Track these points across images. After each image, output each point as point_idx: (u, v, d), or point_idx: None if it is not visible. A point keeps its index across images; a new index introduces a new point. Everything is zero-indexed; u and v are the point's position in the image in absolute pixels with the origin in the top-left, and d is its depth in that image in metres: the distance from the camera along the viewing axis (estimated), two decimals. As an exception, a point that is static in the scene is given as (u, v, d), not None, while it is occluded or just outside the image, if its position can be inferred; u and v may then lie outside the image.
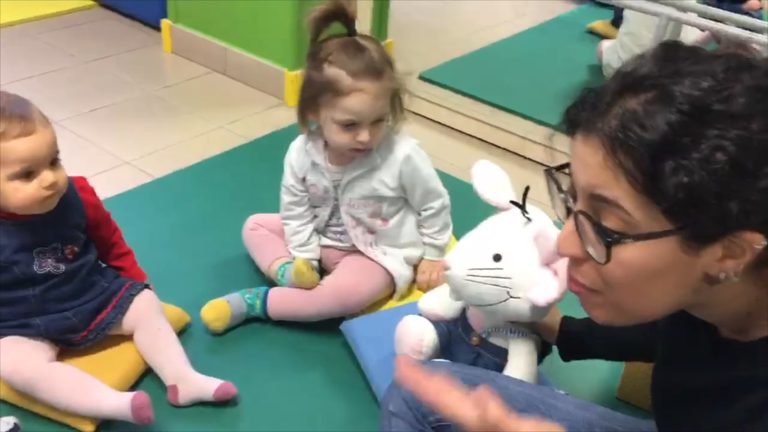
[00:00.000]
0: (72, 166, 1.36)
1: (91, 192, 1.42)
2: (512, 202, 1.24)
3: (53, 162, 1.27)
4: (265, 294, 1.59)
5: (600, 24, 3.34)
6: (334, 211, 1.62)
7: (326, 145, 1.57)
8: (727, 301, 0.73)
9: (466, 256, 1.22)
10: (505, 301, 1.21)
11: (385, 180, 1.56)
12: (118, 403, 1.27)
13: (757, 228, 0.66)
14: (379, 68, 1.45)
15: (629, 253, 0.69)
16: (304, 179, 1.62)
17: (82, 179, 1.41)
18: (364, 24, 2.54)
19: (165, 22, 2.85)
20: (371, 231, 1.63)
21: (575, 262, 0.76)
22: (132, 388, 1.39)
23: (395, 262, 1.63)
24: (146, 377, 1.44)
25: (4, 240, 1.28)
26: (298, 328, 1.60)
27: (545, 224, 1.21)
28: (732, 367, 0.75)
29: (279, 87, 2.61)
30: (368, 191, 1.57)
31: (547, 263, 1.20)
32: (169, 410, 1.37)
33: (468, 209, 1.70)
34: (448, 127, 2.52)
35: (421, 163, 1.58)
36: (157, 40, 2.92)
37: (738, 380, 0.74)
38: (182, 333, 1.54)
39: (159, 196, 2.05)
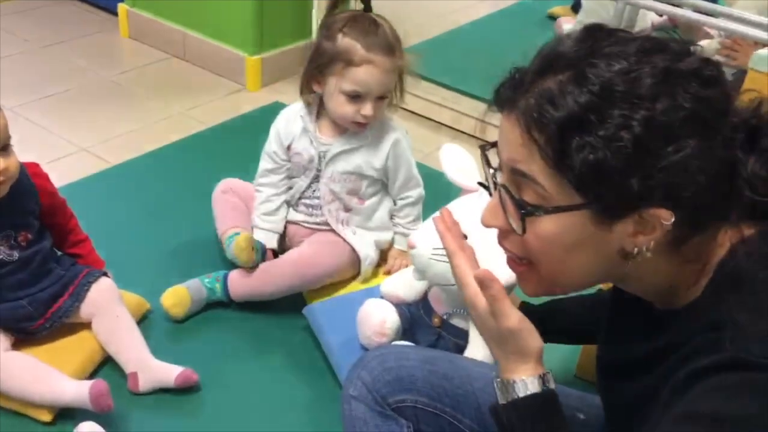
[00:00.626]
0: (27, 153, 1.33)
1: (45, 178, 1.39)
2: (479, 183, 1.25)
3: (4, 148, 1.25)
4: (225, 277, 1.58)
5: (560, 9, 3.36)
6: (313, 182, 1.62)
7: (319, 115, 1.59)
8: (649, 275, 0.76)
9: (431, 235, 1.22)
10: None
11: (371, 159, 1.58)
12: (76, 391, 1.25)
13: (664, 205, 0.69)
14: (392, 45, 1.49)
15: (544, 225, 0.73)
16: (289, 147, 1.62)
17: (35, 165, 1.38)
18: (322, 11, 2.53)
19: (122, 7, 2.79)
20: (346, 209, 1.64)
21: (502, 234, 0.80)
22: (91, 376, 1.38)
23: (364, 243, 1.64)
24: (105, 365, 1.42)
25: None
26: (260, 313, 1.59)
27: None
28: (658, 338, 0.79)
29: (239, 72, 2.58)
30: (353, 167, 1.58)
31: None
32: (129, 398, 1.36)
33: (429, 194, 1.72)
34: (410, 111, 2.52)
35: (407, 149, 1.62)
36: (114, 24, 2.87)
37: (659, 348, 0.77)
38: (142, 320, 1.52)
39: (117, 182, 2.03)
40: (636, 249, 0.72)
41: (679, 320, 0.77)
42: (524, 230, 0.74)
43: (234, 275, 1.58)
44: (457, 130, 2.45)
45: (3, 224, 1.30)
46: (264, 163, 1.66)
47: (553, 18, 3.36)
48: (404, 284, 1.41)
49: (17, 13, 2.94)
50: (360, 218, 1.65)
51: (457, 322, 1.35)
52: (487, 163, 0.84)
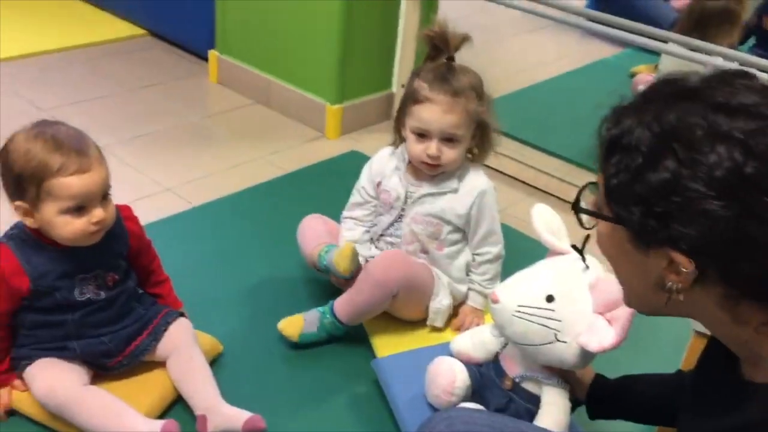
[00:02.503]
0: (116, 191, 1.37)
1: (135, 221, 1.44)
2: (573, 246, 1.25)
3: (104, 197, 1.30)
4: (331, 304, 1.61)
5: (644, 68, 3.32)
6: (396, 221, 1.65)
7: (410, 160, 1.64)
8: (706, 319, 0.79)
9: (518, 291, 1.22)
10: (550, 343, 1.21)
11: (455, 206, 1.61)
12: (148, 430, 1.27)
13: (688, 253, 0.73)
14: (459, 88, 1.53)
15: (600, 227, 0.85)
16: (378, 185, 1.67)
17: (128, 208, 1.44)
18: (406, 60, 2.58)
19: (212, 53, 2.91)
20: (424, 251, 1.65)
21: None
22: (162, 415, 1.40)
23: (439, 282, 1.65)
24: (177, 405, 1.44)
25: (48, 266, 1.31)
26: (329, 363, 1.60)
27: (603, 273, 1.21)
28: (738, 414, 0.77)
29: (320, 120, 2.64)
30: (436, 211, 1.61)
31: (601, 312, 1.19)
32: (198, 440, 1.37)
33: (506, 251, 1.70)
34: (486, 166, 2.51)
35: (493, 203, 1.64)
36: (203, 70, 2.99)
37: (737, 427, 0.76)
38: (214, 362, 1.54)
39: (197, 223, 2.08)
40: (670, 284, 0.75)
41: (760, 397, 0.73)
42: (590, 227, 0.86)
43: (338, 300, 1.60)
44: (534, 187, 2.43)
45: (93, 265, 1.34)
46: (353, 198, 1.74)
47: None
48: (475, 343, 1.39)
49: (112, 54, 3.10)
50: (439, 266, 1.65)
51: (528, 386, 1.31)
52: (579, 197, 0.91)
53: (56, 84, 2.78)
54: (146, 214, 1.94)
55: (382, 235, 1.69)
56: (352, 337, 1.64)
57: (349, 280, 1.60)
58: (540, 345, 1.21)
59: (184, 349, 1.43)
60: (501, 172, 2.48)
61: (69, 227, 1.26)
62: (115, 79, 2.89)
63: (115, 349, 1.39)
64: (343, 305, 1.59)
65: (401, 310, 1.63)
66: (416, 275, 1.60)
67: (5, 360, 1.36)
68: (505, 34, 3.86)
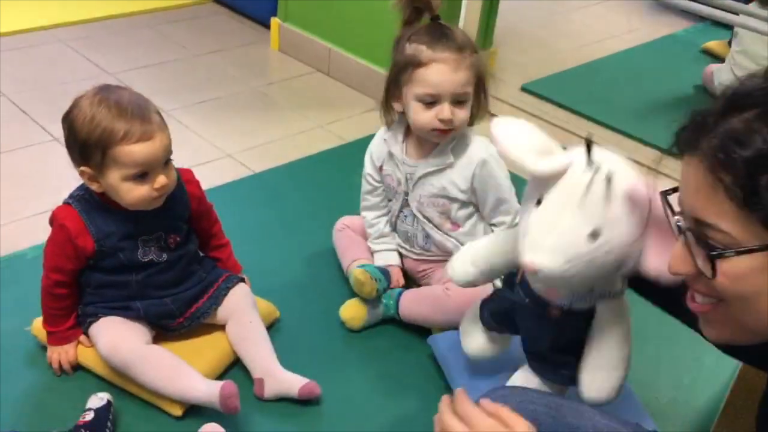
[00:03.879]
0: (178, 155, 1.39)
1: (197, 185, 1.46)
2: (587, 143, 1.00)
3: (166, 163, 1.31)
4: (399, 295, 1.59)
5: (715, 44, 3.20)
6: (403, 206, 1.61)
7: (406, 135, 1.57)
8: None
9: (554, 246, 1.00)
10: (615, 272, 1.07)
11: (456, 180, 1.54)
12: (207, 390, 1.30)
13: None
14: (460, 43, 1.44)
15: (734, 265, 0.71)
16: (381, 168, 1.62)
17: (189, 172, 1.45)
18: (470, 32, 2.53)
19: (275, 21, 2.91)
20: (440, 228, 1.60)
21: (693, 278, 0.77)
22: (220, 377, 1.42)
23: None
24: (234, 368, 1.47)
25: (112, 227, 1.33)
26: (384, 335, 1.60)
27: (625, 174, 1.01)
28: None
29: (380, 90, 2.61)
30: (438, 189, 1.55)
31: (647, 221, 1.00)
32: (252, 402, 1.40)
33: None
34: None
35: (497, 170, 1.54)
36: (266, 37, 3.00)
37: None
38: (270, 327, 1.56)
39: (257, 190, 2.10)
40: None
41: None
42: (714, 273, 0.73)
43: (407, 296, 1.58)
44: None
45: (155, 227, 1.37)
46: (363, 186, 1.69)
47: (707, 53, 3.20)
48: (484, 271, 1.25)
49: (176, 21, 3.12)
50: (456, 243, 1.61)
51: (579, 305, 1.16)
52: (669, 208, 0.81)
53: (122, 48, 2.83)
54: (207, 179, 1.95)
55: (395, 222, 1.64)
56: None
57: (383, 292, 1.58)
58: (606, 276, 1.08)
59: (244, 314, 1.45)
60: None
61: (133, 193, 1.28)
62: (179, 45, 2.92)
63: (177, 310, 1.42)
64: (409, 311, 1.57)
65: None
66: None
67: (72, 317, 1.40)
68: (571, 6, 3.76)
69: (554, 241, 1.01)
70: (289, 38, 2.89)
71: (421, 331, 1.59)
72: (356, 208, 1.80)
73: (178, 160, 1.42)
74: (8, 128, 2.25)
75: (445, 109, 1.44)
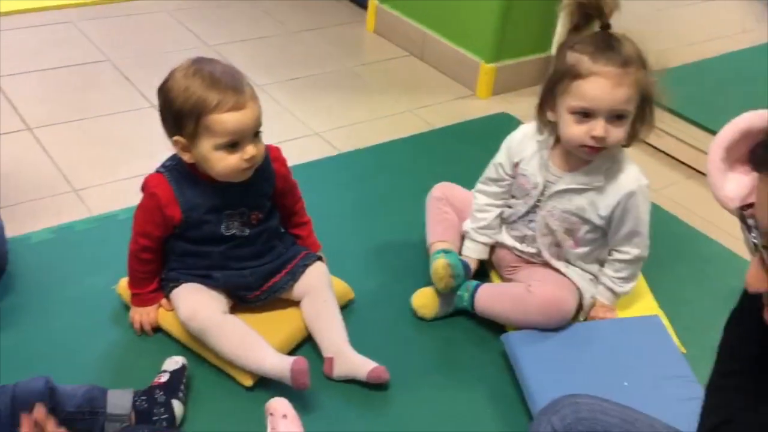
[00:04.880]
0: (265, 131, 1.40)
1: (283, 162, 1.47)
2: None
3: (255, 135, 1.33)
4: (475, 288, 1.55)
5: (836, 51, 2.99)
6: (531, 211, 1.54)
7: (556, 144, 1.49)
8: None
9: None
10: None
11: (598, 205, 1.47)
12: (278, 364, 1.32)
13: None
14: (626, 56, 1.35)
15: None
16: (516, 165, 1.55)
17: (277, 149, 1.47)
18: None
19: (372, 2, 2.91)
20: (557, 245, 1.54)
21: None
22: (291, 352, 1.44)
23: (580, 277, 1.55)
24: (305, 345, 1.48)
25: (199, 199, 1.36)
26: (457, 328, 1.58)
27: None
28: None
29: (472, 78, 2.58)
30: (576, 208, 1.48)
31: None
32: (321, 381, 1.41)
33: (659, 243, 1.57)
34: (645, 142, 2.36)
35: (642, 205, 1.47)
36: (362, 17, 3.00)
37: None
38: (344, 308, 1.56)
39: (341, 170, 2.11)
40: None
41: None
42: None
43: (483, 290, 1.55)
44: (694, 169, 2.27)
45: (240, 202, 1.39)
46: (488, 172, 1.61)
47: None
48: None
49: (278, -2, 3.17)
50: (571, 258, 1.56)
51: None
52: (746, 226, 0.77)
53: (224, 21, 2.89)
54: (293, 155, 1.97)
55: (515, 222, 1.58)
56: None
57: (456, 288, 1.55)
58: None
59: (319, 292, 1.46)
60: (658, 149, 2.33)
61: (223, 162, 1.31)
62: (278, 21, 2.96)
63: (255, 283, 1.44)
64: (485, 306, 1.53)
65: None
66: (573, 305, 1.51)
67: (155, 280, 1.45)
68: (679, 3, 3.59)
69: None
70: (385, 20, 2.88)
71: (494, 326, 1.56)
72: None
73: (267, 135, 1.43)
74: (111, 92, 2.34)
75: (598, 126, 1.36)
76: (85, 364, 1.39)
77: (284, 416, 1.25)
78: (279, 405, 1.27)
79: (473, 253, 1.62)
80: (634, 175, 1.47)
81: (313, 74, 2.61)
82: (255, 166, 1.35)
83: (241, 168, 1.32)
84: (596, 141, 1.38)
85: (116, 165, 1.99)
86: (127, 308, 1.49)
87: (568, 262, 1.56)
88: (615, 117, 1.37)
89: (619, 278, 1.54)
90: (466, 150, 2.21)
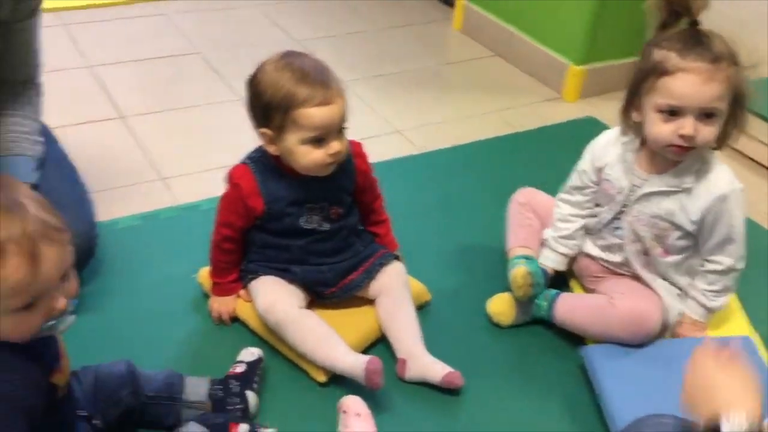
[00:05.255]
0: (348, 127, 1.38)
1: (365, 159, 1.47)
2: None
3: (340, 130, 1.33)
4: (554, 298, 1.52)
5: None
6: (616, 218, 1.48)
7: (641, 146, 1.43)
8: None
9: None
10: None
11: (689, 208, 1.39)
12: (353, 362, 1.31)
13: None
14: (717, 53, 1.28)
15: None
16: (600, 170, 1.49)
17: (359, 145, 1.46)
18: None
19: (460, 0, 2.88)
20: (646, 253, 1.48)
21: None
22: (364, 351, 1.43)
23: (667, 292, 1.48)
24: (379, 344, 1.47)
25: (282, 192, 1.37)
26: (534, 337, 1.54)
27: None
28: None
29: (560, 80, 2.52)
30: (665, 212, 1.41)
31: None
32: (393, 382, 1.39)
33: (754, 255, 1.49)
34: (750, 159, 2.24)
35: (735, 209, 1.39)
36: (448, 16, 2.98)
37: None
38: (419, 309, 1.54)
39: (421, 169, 2.09)
40: None
41: None
42: None
43: (563, 300, 1.51)
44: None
45: (321, 197, 1.39)
46: (572, 180, 1.56)
47: None
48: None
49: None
50: (660, 271, 1.48)
51: None
52: None
53: (312, 17, 2.92)
54: (373, 152, 1.96)
55: (600, 230, 1.51)
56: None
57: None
58: None
59: (395, 292, 1.45)
60: (751, 159, 2.21)
61: (308, 156, 1.31)
62: (365, 17, 2.97)
63: (332, 279, 1.45)
64: (565, 317, 1.49)
65: None
66: (659, 320, 1.43)
67: (236, 271, 1.47)
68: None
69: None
70: (472, 19, 2.85)
71: (572, 338, 1.51)
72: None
73: (349, 131, 1.42)
74: (200, 84, 2.40)
75: (687, 124, 1.29)
76: (163, 350, 1.42)
77: (357, 414, 1.25)
78: (353, 403, 1.27)
79: (551, 262, 1.57)
80: (727, 177, 1.39)
81: (397, 72, 2.60)
82: (338, 161, 1.35)
83: (325, 163, 1.32)
84: (685, 140, 1.31)
85: (202, 156, 2.03)
86: (206, 297, 1.52)
87: (657, 273, 1.49)
88: (704, 115, 1.30)
89: (711, 291, 1.46)
90: (550, 154, 2.15)
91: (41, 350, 0.98)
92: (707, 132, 1.31)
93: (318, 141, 1.30)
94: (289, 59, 1.31)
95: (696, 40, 1.30)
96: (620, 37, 2.46)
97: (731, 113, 1.33)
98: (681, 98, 1.29)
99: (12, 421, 0.91)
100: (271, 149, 1.34)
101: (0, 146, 1.44)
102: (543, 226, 1.62)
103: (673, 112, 1.31)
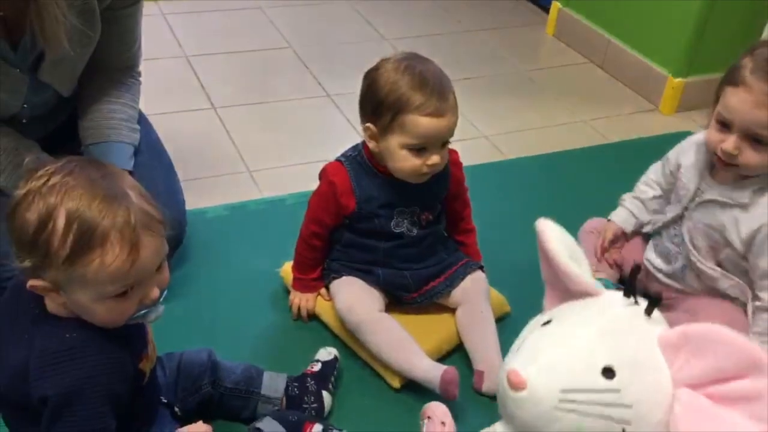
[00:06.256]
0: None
1: (460, 167, 1.45)
2: (625, 283, 0.90)
3: (443, 144, 1.32)
4: None
5: None
6: (677, 221, 1.46)
7: None
8: None
9: (557, 367, 0.81)
10: None
11: (739, 225, 1.35)
12: (429, 370, 1.30)
13: None
14: None
15: None
16: (678, 168, 1.48)
17: (455, 153, 1.44)
18: None
19: (555, 4, 2.82)
20: (698, 271, 1.44)
21: None
22: (440, 360, 1.41)
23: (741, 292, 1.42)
24: (455, 354, 1.45)
25: (375, 192, 1.37)
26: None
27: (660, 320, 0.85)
28: None
29: (656, 92, 2.43)
30: (717, 224, 1.38)
31: (702, 385, 0.79)
32: (468, 394, 1.37)
33: None
34: None
35: None
36: (542, 20, 2.91)
37: None
38: (498, 321, 1.51)
39: (507, 177, 2.06)
40: None
41: None
42: None
43: None
44: None
45: (413, 202, 1.38)
46: (655, 167, 1.60)
47: None
48: None
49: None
50: (715, 284, 1.42)
51: None
52: None
53: (402, 16, 2.90)
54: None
55: (660, 230, 1.49)
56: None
57: None
58: None
59: (476, 302, 1.43)
60: None
61: (406, 163, 1.31)
62: (455, 19, 2.94)
63: (413, 285, 1.43)
64: None
65: None
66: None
67: (319, 268, 1.47)
68: None
69: (557, 358, 0.82)
70: (566, 24, 2.78)
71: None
72: (604, 213, 1.70)
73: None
74: (290, 79, 2.42)
75: (730, 141, 1.29)
76: (243, 341, 1.44)
77: (442, 423, 1.22)
78: (438, 411, 1.24)
79: (618, 219, 1.60)
80: None
81: (486, 75, 2.56)
82: (434, 172, 1.33)
83: (421, 172, 1.32)
84: (724, 155, 1.31)
85: (289, 150, 2.05)
86: (287, 292, 1.53)
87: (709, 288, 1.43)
88: (753, 138, 1.28)
89: (757, 331, 1.35)
90: (642, 168, 2.06)
91: (132, 337, 1.00)
92: (752, 156, 1.29)
93: (419, 150, 1.29)
94: (412, 62, 1.31)
95: None
96: (724, 50, 2.33)
97: None
98: (731, 113, 1.28)
99: (99, 404, 0.94)
100: (371, 145, 1.34)
101: (99, 132, 1.48)
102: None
103: (725, 124, 1.30)
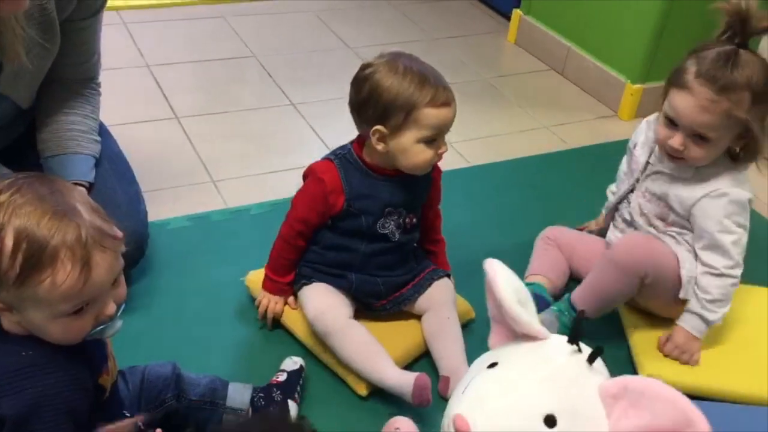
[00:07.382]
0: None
1: (439, 172, 1.47)
2: (571, 337, 0.90)
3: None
4: (569, 299, 1.51)
5: None
6: (630, 191, 1.53)
7: None
8: None
9: (502, 416, 0.83)
10: None
11: (681, 196, 1.43)
12: (399, 378, 1.30)
13: None
14: (728, 84, 1.31)
15: None
16: (635, 147, 1.55)
17: None
18: None
19: (516, 12, 2.85)
20: (651, 225, 1.50)
21: None
22: (406, 367, 1.41)
23: (686, 255, 1.45)
24: (421, 360, 1.45)
25: (365, 189, 1.37)
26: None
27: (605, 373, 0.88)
28: None
29: (615, 98, 2.47)
30: (661, 192, 1.46)
31: None
32: (434, 399, 1.37)
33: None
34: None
35: (722, 216, 1.39)
36: (504, 28, 2.95)
37: None
38: (463, 327, 1.52)
39: (471, 183, 2.07)
40: None
41: None
42: None
43: (575, 292, 1.51)
44: None
45: (401, 202, 1.40)
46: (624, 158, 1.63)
47: None
48: None
49: (421, 2, 3.16)
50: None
51: None
52: None
53: (366, 24, 2.92)
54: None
55: (618, 203, 1.56)
56: (610, 338, 1.53)
57: None
58: None
59: (442, 309, 1.44)
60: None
61: (420, 156, 1.33)
62: (419, 27, 2.96)
63: (384, 292, 1.44)
64: (583, 296, 1.48)
65: (650, 301, 1.49)
66: (662, 257, 1.43)
67: (293, 273, 1.45)
68: None
69: (502, 404, 0.84)
70: (528, 32, 2.82)
71: (618, 358, 1.47)
72: (570, 219, 1.72)
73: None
74: (254, 88, 2.41)
75: (676, 139, 1.37)
76: (208, 353, 1.42)
77: (411, 435, 1.23)
78: (405, 425, 1.24)
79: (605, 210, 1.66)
80: (728, 182, 1.39)
81: (449, 83, 2.57)
82: (435, 163, 1.38)
83: (433, 162, 1.36)
84: (671, 150, 1.38)
85: (253, 159, 2.04)
86: (253, 301, 1.52)
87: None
88: (698, 137, 1.36)
89: (707, 299, 1.41)
90: (603, 172, 2.10)
91: (90, 352, 0.98)
92: (697, 152, 1.37)
93: (430, 141, 1.32)
94: (404, 61, 1.33)
95: (723, 63, 1.31)
96: (680, 57, 2.39)
97: (739, 140, 1.37)
98: (677, 114, 1.36)
99: (58, 421, 0.92)
100: (380, 147, 1.34)
101: (59, 144, 1.46)
102: (567, 261, 1.65)
103: (673, 122, 1.37)
